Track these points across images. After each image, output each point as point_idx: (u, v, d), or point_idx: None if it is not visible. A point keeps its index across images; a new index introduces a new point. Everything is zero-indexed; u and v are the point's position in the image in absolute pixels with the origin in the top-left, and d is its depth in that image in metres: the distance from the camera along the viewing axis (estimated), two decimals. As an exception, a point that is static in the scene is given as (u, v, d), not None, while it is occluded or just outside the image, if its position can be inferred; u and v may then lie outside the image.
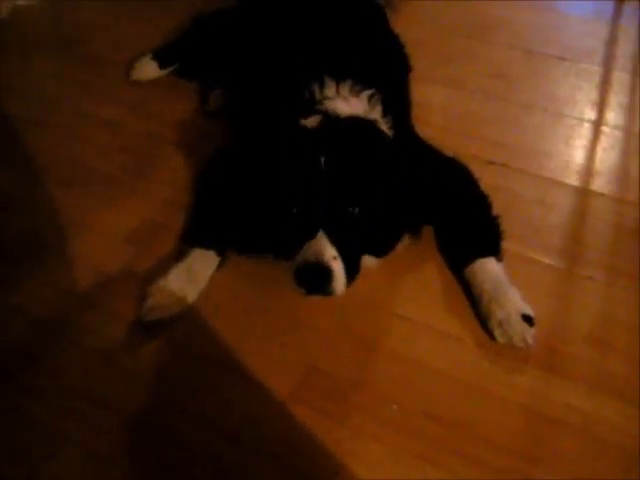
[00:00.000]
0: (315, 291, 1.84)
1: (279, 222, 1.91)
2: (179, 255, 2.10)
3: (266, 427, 1.74)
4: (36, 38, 3.28)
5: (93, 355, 1.93)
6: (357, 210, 1.86)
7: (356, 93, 2.10)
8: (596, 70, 2.86)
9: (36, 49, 3.20)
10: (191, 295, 2.03)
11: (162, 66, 2.95)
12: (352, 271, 1.87)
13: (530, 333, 1.84)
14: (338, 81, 2.11)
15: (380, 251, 2.01)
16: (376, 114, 2.09)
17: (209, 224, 2.18)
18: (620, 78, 2.82)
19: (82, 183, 2.46)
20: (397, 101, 2.26)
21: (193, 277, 2.05)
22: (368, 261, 1.99)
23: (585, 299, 2.01)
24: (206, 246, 2.09)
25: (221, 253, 2.11)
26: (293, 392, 1.80)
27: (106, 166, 2.54)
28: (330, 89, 2.10)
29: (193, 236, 2.16)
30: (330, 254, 1.80)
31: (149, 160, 2.56)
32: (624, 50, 2.96)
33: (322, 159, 1.84)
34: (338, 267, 1.81)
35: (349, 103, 2.07)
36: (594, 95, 2.74)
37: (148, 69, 2.95)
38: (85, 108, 2.83)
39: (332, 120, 1.99)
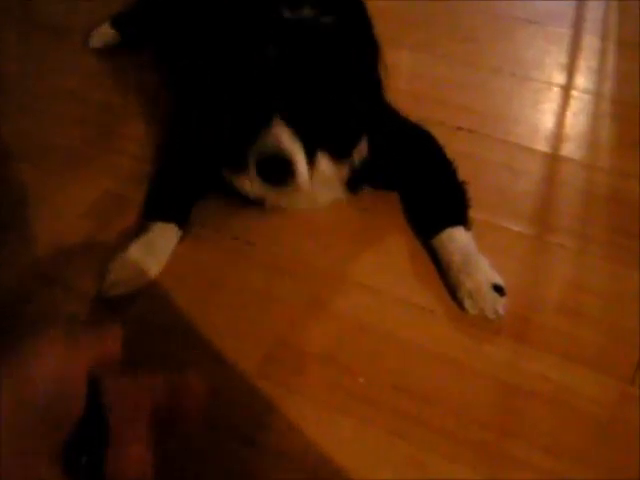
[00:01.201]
0: (278, 184, 1.79)
1: (234, 115, 1.82)
2: (140, 229, 2.04)
3: (232, 403, 1.70)
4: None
5: (53, 333, 1.88)
6: (311, 93, 1.77)
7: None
8: (565, 33, 2.82)
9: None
10: (153, 269, 1.98)
11: (121, 33, 2.87)
12: (310, 164, 1.81)
13: (501, 303, 1.81)
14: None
15: (337, 149, 1.92)
16: None
17: (169, 196, 2.14)
18: (589, 41, 2.78)
19: (38, 156, 2.40)
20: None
21: (154, 251, 2.00)
22: (324, 164, 1.92)
23: (556, 267, 1.98)
24: (166, 219, 2.04)
25: (182, 226, 2.06)
26: (260, 366, 1.76)
27: (64, 138, 2.47)
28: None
29: (153, 209, 2.11)
30: (289, 142, 1.73)
31: (108, 131, 2.49)
32: (594, 14, 2.93)
33: (270, 46, 1.73)
34: (300, 156, 1.74)
35: None
36: (563, 59, 2.70)
37: (107, 36, 2.87)
38: (41, 78, 2.76)
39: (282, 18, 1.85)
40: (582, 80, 2.62)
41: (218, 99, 1.88)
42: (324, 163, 1.93)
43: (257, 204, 2.07)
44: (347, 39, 1.89)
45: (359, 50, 1.89)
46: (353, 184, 2.07)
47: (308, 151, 1.80)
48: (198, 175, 2.15)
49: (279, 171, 1.75)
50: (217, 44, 1.88)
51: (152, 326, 1.89)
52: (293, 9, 1.99)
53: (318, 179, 1.91)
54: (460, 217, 1.99)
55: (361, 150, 1.98)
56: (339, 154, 1.95)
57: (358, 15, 2.28)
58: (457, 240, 1.93)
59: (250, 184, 1.95)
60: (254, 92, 1.77)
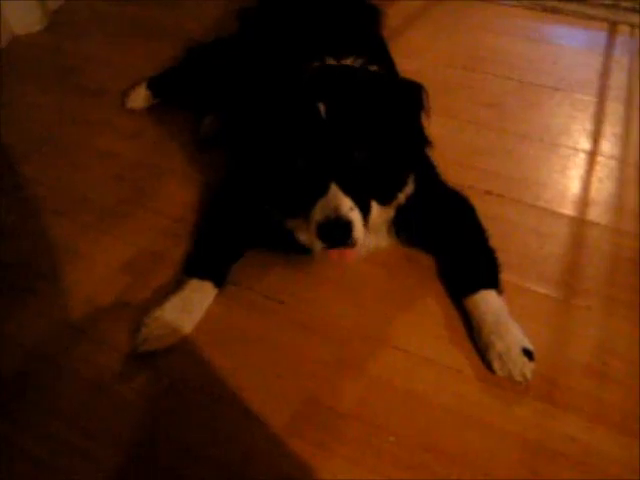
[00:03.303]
0: (338, 245, 1.82)
1: (286, 177, 1.87)
2: (176, 285, 2.09)
3: (263, 460, 1.73)
4: (34, 68, 3.27)
5: (87, 385, 1.92)
6: (363, 153, 1.82)
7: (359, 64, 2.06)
8: (590, 100, 2.86)
9: (33, 79, 3.19)
10: (186, 326, 2.02)
11: (156, 95, 2.94)
12: (365, 217, 1.84)
13: (529, 368, 1.83)
14: (339, 59, 2.06)
15: (384, 197, 1.97)
16: None
17: (209, 254, 2.18)
18: (614, 108, 2.82)
19: (77, 212, 2.46)
20: None
21: (189, 308, 2.04)
22: (374, 211, 1.95)
23: (583, 329, 2.00)
24: (203, 277, 2.09)
25: (218, 285, 2.10)
26: (290, 424, 1.79)
27: (102, 195, 2.53)
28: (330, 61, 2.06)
29: (192, 266, 2.16)
30: (347, 206, 1.77)
31: (145, 189, 2.55)
32: (617, 81, 2.96)
33: (320, 105, 1.78)
34: (356, 217, 1.79)
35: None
36: (589, 125, 2.74)
37: (143, 97, 2.95)
38: (81, 137, 2.83)
39: (328, 66, 1.98)
40: (608, 146, 2.65)
41: (270, 160, 1.90)
42: (374, 210, 1.95)
43: (304, 254, 2.09)
44: (395, 89, 1.95)
45: (406, 100, 1.95)
46: (398, 226, 2.10)
47: (362, 205, 1.84)
48: (241, 235, 2.19)
49: (339, 234, 1.79)
50: (266, 99, 1.93)
51: (183, 381, 1.93)
52: (337, 58, 2.06)
53: (369, 226, 1.93)
54: (494, 281, 2.03)
55: (407, 190, 2.02)
56: (387, 199, 1.99)
57: (391, 63, 2.36)
58: (490, 302, 1.96)
59: (308, 238, 1.96)
60: (308, 156, 1.81)
